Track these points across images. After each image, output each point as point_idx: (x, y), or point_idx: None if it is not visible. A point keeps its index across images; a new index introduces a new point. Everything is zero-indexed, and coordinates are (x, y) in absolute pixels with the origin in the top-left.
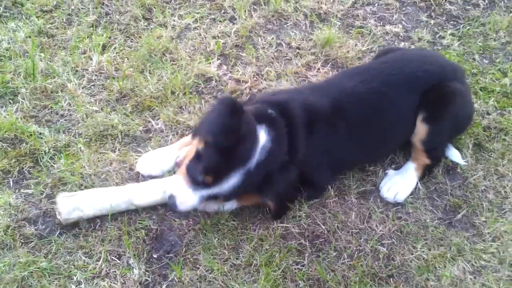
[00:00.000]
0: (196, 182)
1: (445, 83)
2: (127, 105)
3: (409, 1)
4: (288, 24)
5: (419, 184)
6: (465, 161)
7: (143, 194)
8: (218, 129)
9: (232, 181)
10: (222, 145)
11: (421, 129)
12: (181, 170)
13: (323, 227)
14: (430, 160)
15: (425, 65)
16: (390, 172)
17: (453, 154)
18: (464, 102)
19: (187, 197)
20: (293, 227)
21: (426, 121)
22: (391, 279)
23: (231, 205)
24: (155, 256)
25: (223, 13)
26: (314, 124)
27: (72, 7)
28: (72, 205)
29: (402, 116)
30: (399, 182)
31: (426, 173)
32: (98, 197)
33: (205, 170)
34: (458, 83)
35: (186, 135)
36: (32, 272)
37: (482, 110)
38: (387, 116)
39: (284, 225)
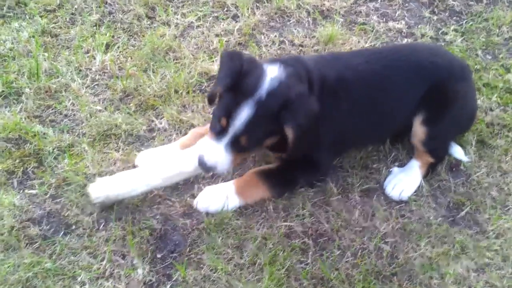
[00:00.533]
0: (217, 133)
1: (447, 84)
2: (131, 104)
3: None
4: (290, 22)
5: (422, 181)
6: (468, 158)
7: (175, 168)
8: (222, 75)
9: (243, 114)
10: (228, 86)
11: (420, 131)
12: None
13: (326, 225)
14: (433, 158)
15: (433, 57)
16: (395, 169)
17: (456, 151)
18: (466, 103)
19: (213, 151)
20: (296, 225)
21: (425, 123)
22: (395, 277)
23: (234, 203)
24: (159, 256)
25: (226, 11)
26: (322, 92)
27: (76, 6)
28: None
29: (403, 102)
30: (404, 180)
31: (430, 171)
32: (132, 177)
33: (219, 115)
34: (463, 82)
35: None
36: (36, 273)
37: (485, 107)
38: (388, 99)
39: (288, 223)
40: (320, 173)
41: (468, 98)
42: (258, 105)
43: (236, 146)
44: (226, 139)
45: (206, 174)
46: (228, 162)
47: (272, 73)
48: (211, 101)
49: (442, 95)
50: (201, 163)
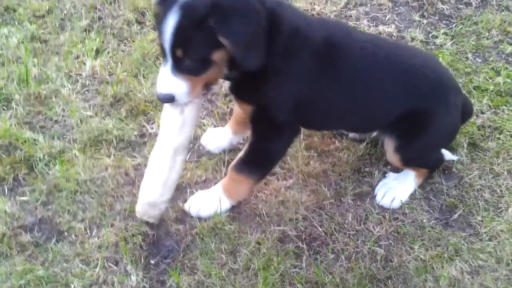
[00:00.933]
0: (163, 58)
1: (425, 108)
2: (122, 110)
3: (401, 1)
4: None
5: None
6: (457, 156)
7: None
8: None
9: (169, 23)
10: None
11: (394, 158)
12: None
13: (320, 229)
14: (426, 169)
15: (424, 69)
16: (390, 175)
17: (444, 153)
18: (442, 125)
19: (163, 77)
20: (290, 230)
21: (398, 151)
22: (389, 280)
23: (225, 205)
24: (152, 262)
25: None
26: (301, 50)
27: (65, 12)
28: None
29: (384, 106)
30: (396, 188)
31: (426, 179)
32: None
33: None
34: (444, 103)
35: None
36: (29, 280)
37: (476, 109)
38: (373, 92)
39: (281, 228)
40: (287, 135)
41: (443, 120)
42: (183, 9)
43: (180, 65)
44: (169, 60)
45: (172, 108)
46: (182, 86)
47: None
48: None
49: (417, 120)
50: (158, 97)
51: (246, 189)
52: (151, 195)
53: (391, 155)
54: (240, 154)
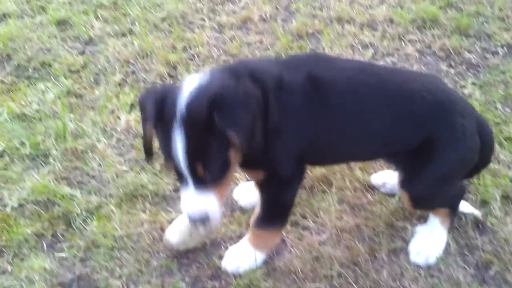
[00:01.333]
0: (181, 181)
1: (422, 136)
2: (156, 164)
3: (428, 51)
4: None
5: (449, 239)
6: (478, 211)
7: None
8: (143, 117)
9: (177, 143)
10: (152, 122)
11: (403, 195)
12: None
13: (355, 286)
14: (446, 207)
15: (422, 92)
16: (418, 229)
17: (463, 206)
18: (450, 152)
19: (190, 201)
20: (325, 287)
21: (404, 186)
22: None
23: (260, 257)
24: None
25: None
26: (291, 99)
27: (99, 66)
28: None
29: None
30: (428, 243)
31: (452, 219)
32: None
33: (164, 162)
34: (446, 128)
35: None
36: None
37: (508, 161)
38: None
39: (317, 284)
40: (296, 183)
41: (453, 145)
42: (184, 124)
43: (202, 180)
44: (189, 180)
45: (206, 229)
46: (213, 201)
47: (191, 84)
48: (149, 153)
49: (419, 149)
50: (192, 220)
51: (273, 239)
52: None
53: (400, 191)
54: (256, 210)
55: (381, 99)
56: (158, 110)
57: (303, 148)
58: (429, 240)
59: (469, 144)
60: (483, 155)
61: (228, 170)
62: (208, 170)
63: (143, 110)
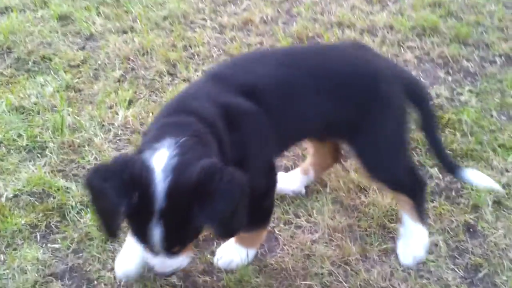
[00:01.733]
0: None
1: (351, 109)
2: None
3: (426, 58)
4: None
5: (439, 242)
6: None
7: None
8: (108, 202)
9: (156, 236)
10: (126, 211)
11: (360, 167)
12: None
13: (345, 285)
14: (404, 195)
15: (338, 66)
16: (400, 230)
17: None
18: (383, 121)
19: (158, 263)
20: (316, 284)
21: (356, 157)
22: None
23: (252, 252)
24: None
25: None
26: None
27: (99, 62)
28: None
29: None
30: (409, 242)
31: (419, 214)
32: None
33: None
34: (373, 98)
35: None
36: None
37: (501, 167)
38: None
39: (307, 282)
40: (273, 185)
41: (386, 111)
42: (163, 216)
43: (172, 252)
44: (161, 253)
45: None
46: (183, 259)
47: (160, 164)
48: (113, 235)
49: (354, 122)
50: (161, 275)
51: (260, 237)
52: None
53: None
54: None
55: (309, 84)
56: (125, 197)
57: (271, 156)
58: (409, 239)
59: (397, 107)
60: (422, 111)
61: (199, 233)
62: (182, 246)
63: (100, 195)
